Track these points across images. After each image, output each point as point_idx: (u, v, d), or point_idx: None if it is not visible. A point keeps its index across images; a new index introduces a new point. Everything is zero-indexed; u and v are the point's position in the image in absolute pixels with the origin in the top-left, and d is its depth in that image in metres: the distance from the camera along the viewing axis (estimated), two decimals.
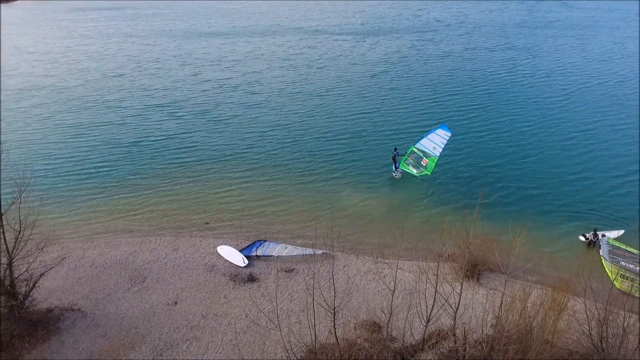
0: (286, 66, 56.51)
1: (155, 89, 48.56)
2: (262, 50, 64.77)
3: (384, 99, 45.39)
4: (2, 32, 76.68)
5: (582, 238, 25.31)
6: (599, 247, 24.54)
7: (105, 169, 33.03)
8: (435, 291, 16.15)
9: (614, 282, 21.88)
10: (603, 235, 25.14)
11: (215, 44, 68.55)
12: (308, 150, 35.28)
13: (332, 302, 15.63)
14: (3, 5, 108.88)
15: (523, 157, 34.23)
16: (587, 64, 56.36)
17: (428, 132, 31.32)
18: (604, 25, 78.66)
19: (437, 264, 23.11)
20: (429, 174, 30.19)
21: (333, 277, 17.98)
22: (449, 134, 30.14)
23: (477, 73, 53.06)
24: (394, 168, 31.91)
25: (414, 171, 30.55)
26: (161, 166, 33.22)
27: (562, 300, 17.70)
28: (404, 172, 31.65)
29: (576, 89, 48.08)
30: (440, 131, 30.35)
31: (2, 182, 19.80)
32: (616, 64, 56.01)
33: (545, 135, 37.66)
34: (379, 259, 23.77)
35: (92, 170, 32.82)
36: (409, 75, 52.78)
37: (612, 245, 24.36)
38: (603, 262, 23.64)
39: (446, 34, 73.32)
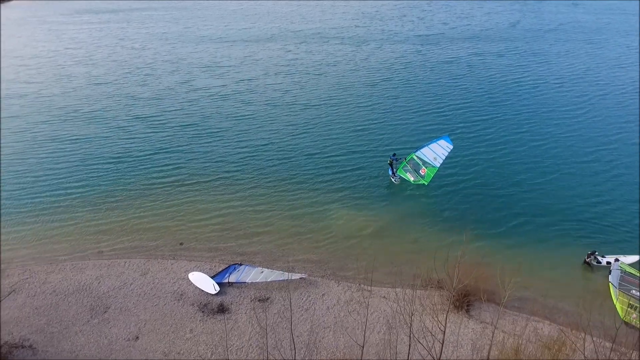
0: (282, 72, 55.49)
1: (141, 98, 47.69)
2: (258, 55, 63.89)
3: (385, 110, 43.72)
4: None
5: (594, 262, 23.93)
6: (609, 272, 23.10)
7: (79, 184, 32.09)
8: (410, 335, 14.81)
9: (621, 314, 20.55)
10: (617, 260, 23.77)
11: (209, 49, 67.82)
12: (297, 164, 34.06)
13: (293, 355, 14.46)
14: None
15: (532, 174, 32.32)
16: (601, 70, 54.44)
17: (430, 141, 31.15)
18: (616, 28, 76.87)
19: (424, 291, 22.08)
20: (426, 183, 30.13)
21: (292, 332, 16.52)
22: (451, 147, 29.97)
23: (485, 80, 51.39)
24: (391, 173, 31.69)
25: (411, 178, 30.52)
26: (138, 182, 32.19)
27: (561, 341, 16.47)
28: (402, 179, 31.37)
29: (591, 98, 45.89)
30: (442, 142, 30.15)
31: None
32: (633, 71, 54.04)
33: (557, 150, 35.60)
34: (362, 285, 22.52)
35: (63, 186, 31.90)
36: (412, 83, 51.20)
37: (625, 272, 22.92)
38: (611, 290, 22.22)
39: (452, 37, 72.04)
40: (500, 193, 30.15)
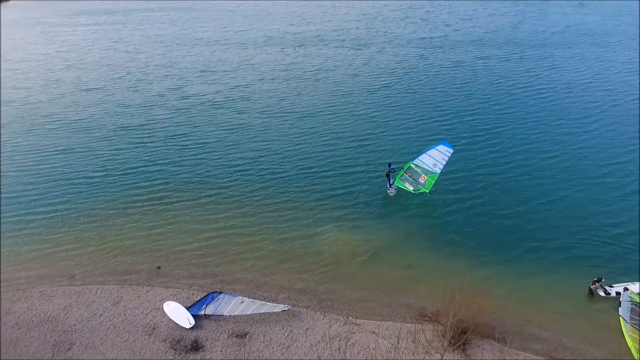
0: (279, 78, 53.83)
1: (130, 105, 46.17)
2: (255, 59, 62.38)
3: (384, 119, 41.54)
4: None
5: (601, 293, 22.12)
6: (619, 304, 21.32)
7: (55, 201, 30.57)
8: None
9: (635, 355, 18.83)
10: (626, 290, 21.98)
11: (204, 52, 66.43)
12: (290, 181, 32.05)
13: None
14: None
15: (541, 192, 29.90)
16: (611, 75, 51.99)
17: (428, 148, 29.67)
18: (624, 31, 74.64)
19: (418, 325, 20.44)
20: (428, 191, 28.73)
21: None
22: (451, 150, 28.58)
23: (490, 87, 49.25)
24: (388, 185, 30.30)
25: (410, 188, 29.08)
26: (119, 199, 30.55)
27: None
28: (399, 189, 29.96)
29: (602, 106, 43.31)
30: (441, 147, 28.80)
31: None
32: None
33: (568, 165, 33.05)
34: (350, 318, 20.87)
35: (38, 204, 30.43)
36: (414, 89, 49.22)
37: (636, 303, 21.11)
38: (622, 325, 20.44)
39: (455, 40, 70.27)
40: (505, 213, 28.06)
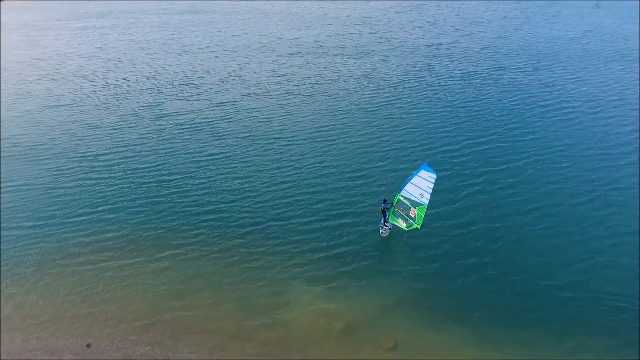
0: (269, 93, 49.10)
1: (99, 127, 41.65)
2: (245, 69, 57.76)
3: (385, 148, 36.17)
4: None
5: None
6: None
7: None
8: None
9: None
10: None
11: (191, 61, 61.87)
12: (265, 232, 26.95)
13: None
14: None
15: (571, 255, 24.53)
16: None
17: (411, 175, 26.17)
18: None
19: None
20: (419, 227, 25.86)
21: None
22: (434, 175, 25.10)
23: (507, 106, 43.82)
24: (382, 222, 27.02)
25: (403, 225, 26.40)
26: (59, 250, 26.10)
27: None
28: (393, 228, 26.94)
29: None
30: (423, 173, 25.29)
31: None
32: None
33: (606, 215, 27.47)
34: None
35: None
36: (420, 109, 43.83)
37: None
38: None
39: (465, 47, 65.03)
40: (523, 280, 23.13)
